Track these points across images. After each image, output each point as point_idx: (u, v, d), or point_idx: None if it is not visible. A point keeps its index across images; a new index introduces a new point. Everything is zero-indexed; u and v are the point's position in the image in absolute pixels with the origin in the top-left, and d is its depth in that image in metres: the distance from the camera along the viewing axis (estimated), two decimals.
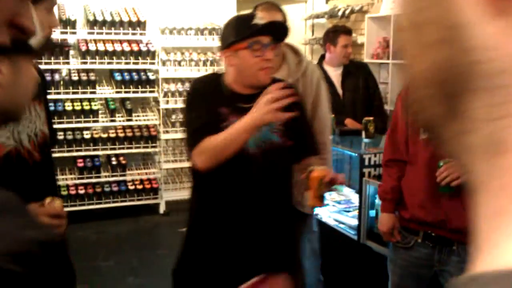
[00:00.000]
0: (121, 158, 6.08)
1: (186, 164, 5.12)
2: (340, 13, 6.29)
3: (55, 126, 5.61)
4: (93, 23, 5.91)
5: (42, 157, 1.85)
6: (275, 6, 2.90)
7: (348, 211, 3.98)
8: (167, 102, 6.21)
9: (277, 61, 2.82)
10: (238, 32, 2.14)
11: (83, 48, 5.83)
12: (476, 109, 0.33)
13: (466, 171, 0.36)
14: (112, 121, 5.99)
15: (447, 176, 2.30)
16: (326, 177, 2.10)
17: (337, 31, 4.54)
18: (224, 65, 2.33)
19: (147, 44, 6.09)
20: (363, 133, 3.81)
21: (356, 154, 3.62)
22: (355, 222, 3.68)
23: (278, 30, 2.21)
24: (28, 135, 1.78)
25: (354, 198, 3.96)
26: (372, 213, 3.40)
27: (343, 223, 3.88)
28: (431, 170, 2.37)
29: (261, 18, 2.18)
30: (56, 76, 5.77)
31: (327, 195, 2.25)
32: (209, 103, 2.18)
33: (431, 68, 0.35)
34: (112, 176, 6.03)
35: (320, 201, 2.15)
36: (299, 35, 7.00)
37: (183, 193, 5.64)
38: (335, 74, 4.41)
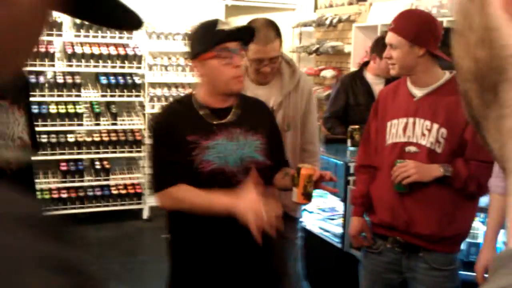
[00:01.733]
0: (105, 162, 6.03)
1: None
2: (327, 22, 6.31)
3: (38, 128, 5.60)
4: (79, 26, 5.87)
5: (19, 166, 1.73)
6: (268, 33, 2.70)
7: (333, 219, 3.98)
8: (153, 106, 6.17)
9: (271, 72, 2.82)
10: (204, 41, 2.07)
11: (69, 51, 5.79)
12: (511, 96, 0.40)
13: (501, 157, 0.43)
14: (96, 124, 5.95)
15: (399, 175, 2.35)
16: (314, 175, 2.10)
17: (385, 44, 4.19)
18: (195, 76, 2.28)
19: (134, 48, 6.06)
20: (348, 141, 3.81)
21: (341, 162, 3.63)
22: (339, 230, 3.68)
23: (245, 33, 2.15)
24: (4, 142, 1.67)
25: (339, 206, 3.96)
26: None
27: (327, 231, 3.88)
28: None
29: (225, 23, 2.11)
30: (41, 79, 5.71)
31: (313, 198, 2.23)
32: (176, 134, 2.10)
33: (473, 65, 0.42)
34: (96, 180, 5.98)
35: (307, 198, 2.15)
36: (287, 43, 7.01)
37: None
38: (376, 84, 4.11)
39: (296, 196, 2.14)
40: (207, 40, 2.06)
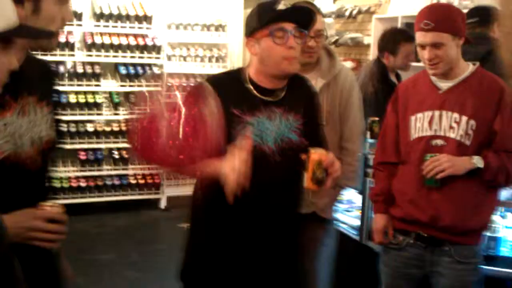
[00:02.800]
0: (123, 152, 6.06)
1: None
2: (347, 13, 6.26)
3: (58, 117, 5.62)
4: (99, 16, 5.89)
5: (43, 163, 1.69)
6: (312, 7, 2.63)
7: (350, 211, 3.96)
8: None
9: (314, 57, 2.75)
10: (260, 19, 2.04)
11: (89, 41, 5.82)
12: None
13: None
14: (115, 114, 5.99)
15: (433, 169, 2.31)
16: (324, 160, 2.01)
17: (398, 38, 3.96)
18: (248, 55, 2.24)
19: (153, 38, 6.08)
20: (368, 134, 3.78)
21: (360, 154, 3.60)
22: (357, 222, 3.66)
23: (302, 16, 2.09)
24: (32, 139, 1.62)
25: (357, 198, 3.93)
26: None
27: (345, 223, 3.85)
28: (420, 168, 2.38)
29: (284, 4, 2.05)
30: (61, 68, 5.75)
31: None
32: (221, 102, 1.99)
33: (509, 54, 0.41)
34: (114, 169, 6.02)
35: (317, 184, 2.04)
36: None
37: (184, 189, 5.61)
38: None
39: (305, 181, 2.07)
40: (263, 18, 2.04)
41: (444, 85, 2.41)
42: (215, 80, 2.18)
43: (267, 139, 2.06)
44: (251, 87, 2.11)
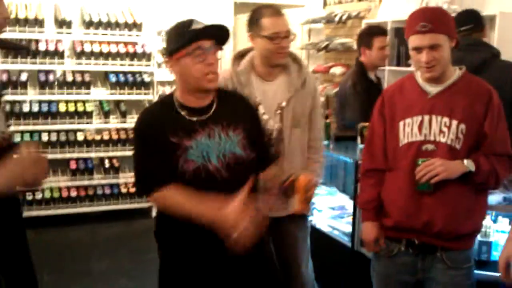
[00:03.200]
0: (114, 161, 6.03)
1: None
2: (337, 19, 6.27)
3: (48, 127, 5.61)
4: (88, 24, 5.87)
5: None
6: (278, 10, 2.82)
7: (342, 217, 3.96)
8: None
9: (277, 68, 2.82)
10: (178, 40, 2.09)
11: (79, 49, 5.79)
12: None
13: None
14: (106, 123, 5.96)
15: (426, 174, 2.30)
16: (311, 181, 2.10)
17: (372, 33, 4.25)
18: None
19: (142, 46, 6.06)
20: (358, 139, 3.78)
21: (351, 160, 3.60)
22: (349, 228, 3.65)
23: (218, 32, 2.14)
24: None
25: (349, 204, 3.93)
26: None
27: (337, 229, 3.85)
28: (411, 174, 2.37)
29: (199, 22, 2.12)
30: (51, 77, 5.73)
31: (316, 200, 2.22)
32: (158, 135, 2.11)
33: None
34: (105, 178, 5.98)
35: (306, 206, 2.14)
36: (296, 40, 6.96)
37: None
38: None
39: (297, 204, 2.14)
40: (180, 38, 2.09)
41: (433, 89, 2.40)
42: (149, 114, 2.25)
43: (209, 157, 2.10)
44: (183, 111, 2.16)
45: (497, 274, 2.85)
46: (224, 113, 2.19)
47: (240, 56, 2.93)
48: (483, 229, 2.94)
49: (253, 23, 2.80)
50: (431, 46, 2.30)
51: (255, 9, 2.85)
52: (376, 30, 4.27)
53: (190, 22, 2.12)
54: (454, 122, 2.34)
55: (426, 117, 2.37)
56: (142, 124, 2.20)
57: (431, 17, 2.33)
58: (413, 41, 2.34)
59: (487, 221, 3.03)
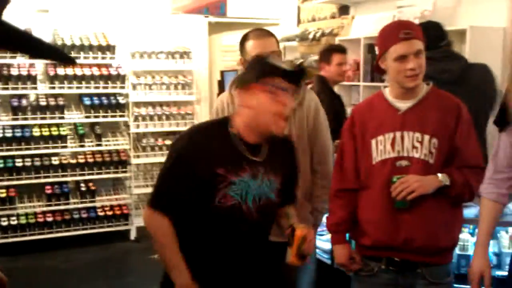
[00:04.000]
0: (90, 184, 5.96)
1: None
2: (311, 36, 6.31)
3: (22, 152, 5.53)
4: (61, 48, 5.82)
5: None
6: (267, 32, 2.79)
7: (322, 235, 3.93)
8: (138, 126, 6.13)
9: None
10: (260, 73, 2.01)
11: (52, 73, 5.74)
12: None
13: None
14: (81, 146, 5.89)
15: (402, 191, 2.28)
16: (308, 236, 2.07)
17: (331, 49, 4.61)
18: (236, 105, 2.19)
19: (117, 68, 6.03)
20: (335, 156, 3.78)
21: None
22: (328, 246, 3.63)
23: (299, 77, 2.08)
24: None
25: None
26: (346, 236, 3.35)
27: (317, 247, 3.82)
28: (386, 192, 2.34)
29: (283, 62, 2.05)
30: (24, 101, 5.66)
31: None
32: (204, 164, 2.01)
33: None
34: (81, 202, 5.90)
35: (301, 259, 2.10)
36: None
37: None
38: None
39: (289, 257, 2.10)
40: (263, 72, 2.02)
41: (403, 105, 2.39)
42: (200, 135, 2.11)
43: (247, 198, 2.05)
44: (238, 143, 2.08)
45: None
46: (271, 156, 2.13)
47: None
48: (461, 243, 2.95)
49: (241, 47, 2.76)
50: (416, 53, 2.29)
51: (245, 33, 2.81)
52: (336, 47, 4.69)
53: (275, 59, 2.10)
54: (426, 137, 2.33)
55: (398, 134, 2.36)
56: (189, 145, 2.06)
57: (409, 24, 2.35)
58: (398, 49, 2.30)
59: (465, 235, 3.04)
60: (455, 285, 2.56)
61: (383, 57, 2.37)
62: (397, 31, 2.31)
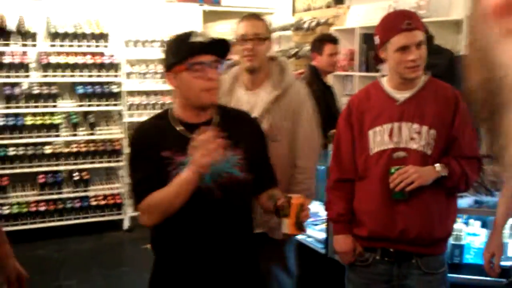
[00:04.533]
0: (83, 173, 5.93)
1: None
2: (306, 26, 6.29)
3: (15, 141, 5.50)
4: (54, 36, 5.77)
5: None
6: (257, 16, 2.81)
7: (316, 224, 3.93)
8: (132, 115, 6.10)
9: (261, 76, 2.76)
10: (177, 53, 2.02)
11: (45, 61, 5.69)
12: (510, 123, 0.37)
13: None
14: (74, 135, 5.86)
15: (401, 182, 2.28)
16: (305, 205, 2.05)
17: (323, 40, 4.59)
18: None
19: (110, 56, 5.98)
20: (329, 146, 3.77)
21: (324, 167, 3.58)
22: (323, 235, 3.63)
23: (219, 47, 2.07)
24: None
25: (322, 211, 3.91)
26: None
27: (310, 237, 3.82)
28: (384, 183, 2.34)
29: (200, 35, 2.04)
30: (16, 90, 5.61)
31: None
32: (150, 150, 2.04)
33: (475, 87, 0.39)
34: (74, 192, 5.88)
35: (299, 229, 2.08)
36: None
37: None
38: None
39: (288, 227, 2.06)
40: (179, 52, 2.02)
41: (401, 96, 2.38)
42: (143, 129, 2.17)
43: (203, 176, 2.01)
44: (178, 126, 2.10)
45: (470, 277, 2.88)
46: (223, 131, 2.09)
47: (232, 65, 2.88)
48: (455, 233, 2.94)
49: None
50: (418, 44, 2.27)
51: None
52: (328, 38, 4.67)
53: (189, 34, 2.04)
54: (425, 128, 2.32)
55: (396, 124, 2.35)
56: (136, 137, 2.16)
57: (411, 15, 2.33)
58: (400, 40, 2.28)
59: (459, 225, 3.04)
60: (449, 275, 2.57)
61: (383, 47, 2.35)
62: (399, 21, 2.28)
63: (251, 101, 2.74)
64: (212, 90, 2.04)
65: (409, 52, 2.27)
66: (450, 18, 4.28)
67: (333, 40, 4.63)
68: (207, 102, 2.06)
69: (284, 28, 6.78)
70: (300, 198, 2.06)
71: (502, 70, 0.36)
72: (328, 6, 6.32)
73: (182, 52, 2.01)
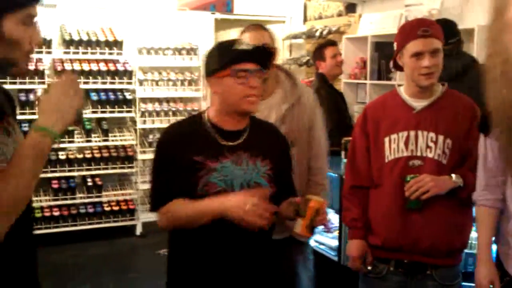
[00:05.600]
0: (97, 179, 5.98)
1: None
2: (317, 34, 6.32)
3: None
4: (69, 43, 5.84)
5: None
6: (261, 26, 2.82)
7: (330, 232, 3.95)
8: (144, 122, 6.15)
9: (271, 85, 2.76)
10: (221, 59, 2.05)
11: (59, 68, 5.75)
12: None
13: None
14: (88, 141, 5.91)
15: (417, 190, 2.28)
16: (322, 208, 2.07)
17: (321, 46, 4.67)
18: (209, 93, 2.25)
19: (124, 63, 6.04)
20: (343, 154, 3.79)
21: (336, 175, 3.60)
22: (335, 243, 3.65)
23: (263, 55, 2.11)
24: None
25: (334, 218, 3.93)
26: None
27: (323, 244, 3.85)
28: (398, 191, 2.34)
29: (245, 43, 2.09)
30: (31, 96, 5.67)
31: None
32: (181, 152, 2.06)
33: (499, 105, 0.37)
34: (88, 197, 5.93)
35: (310, 231, 2.10)
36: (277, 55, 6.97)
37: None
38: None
39: (299, 227, 2.08)
40: (224, 58, 2.05)
41: (418, 104, 2.40)
42: (175, 129, 2.19)
43: (233, 184, 2.05)
44: (213, 131, 2.12)
45: None
46: (255, 142, 2.14)
47: None
48: (469, 241, 2.95)
49: None
50: (433, 51, 2.30)
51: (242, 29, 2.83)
52: (325, 43, 4.76)
53: (233, 42, 2.09)
54: (441, 137, 2.34)
55: (412, 133, 2.37)
56: (166, 139, 2.16)
57: (430, 23, 2.37)
58: (415, 46, 2.31)
59: (472, 233, 3.05)
60: (463, 283, 2.57)
61: (400, 53, 2.38)
62: (416, 28, 2.32)
63: (265, 110, 2.77)
64: (253, 97, 2.06)
65: (423, 58, 2.30)
66: (463, 27, 4.30)
67: (331, 43, 4.70)
68: (247, 109, 2.08)
69: (295, 36, 6.82)
70: (319, 202, 2.08)
71: None
72: (339, 15, 6.35)
73: (227, 58, 2.04)
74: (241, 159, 2.09)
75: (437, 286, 2.39)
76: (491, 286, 2.22)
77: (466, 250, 2.99)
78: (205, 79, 2.16)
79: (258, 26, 2.81)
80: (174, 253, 2.23)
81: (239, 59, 2.03)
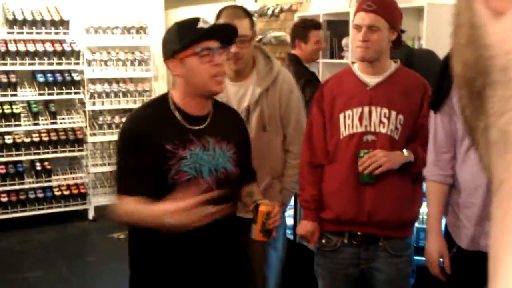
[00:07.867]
0: (46, 163, 5.83)
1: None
2: (269, 12, 6.28)
3: None
4: (12, 23, 5.62)
5: None
6: (241, 12, 2.70)
7: (284, 211, 3.96)
8: (94, 103, 6.00)
9: (248, 66, 2.70)
10: (182, 39, 1.97)
11: (3, 49, 5.54)
12: (494, 103, 0.36)
13: (489, 172, 0.38)
14: (35, 124, 5.73)
15: (370, 165, 2.32)
16: (273, 212, 2.06)
17: (308, 26, 4.34)
18: (172, 77, 2.14)
19: (71, 43, 5.87)
20: None
21: None
22: (290, 221, 3.66)
23: (226, 33, 2.06)
24: None
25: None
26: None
27: (285, 226, 3.85)
28: (353, 166, 2.38)
29: (204, 21, 2.01)
30: None
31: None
32: (151, 140, 1.98)
33: (462, 68, 0.39)
34: (37, 182, 5.77)
35: (265, 236, 2.11)
36: None
37: (112, 198, 5.48)
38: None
39: (254, 233, 2.10)
40: (186, 38, 1.97)
41: (372, 80, 2.43)
42: (140, 116, 2.11)
43: (202, 171, 2.02)
44: (179, 116, 2.06)
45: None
46: (219, 125, 2.10)
47: None
48: (420, 216, 3.02)
49: None
50: (370, 27, 2.33)
51: (220, 9, 2.71)
52: (312, 24, 4.37)
53: (196, 20, 2.00)
54: (393, 113, 2.38)
55: (366, 108, 2.40)
56: (132, 126, 2.07)
57: (378, 1, 2.37)
58: (356, 18, 2.37)
59: (423, 208, 3.11)
60: (415, 257, 2.63)
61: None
62: (364, 2, 2.36)
63: (240, 92, 2.71)
64: (220, 77, 2.01)
65: (360, 31, 2.35)
66: (412, 5, 4.34)
67: (317, 26, 4.39)
68: (214, 90, 2.04)
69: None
70: (268, 206, 2.08)
71: (489, 51, 0.37)
72: None
73: (189, 37, 1.97)
74: (208, 144, 2.06)
75: (389, 257, 2.46)
76: (441, 259, 2.28)
77: (418, 225, 3.06)
78: (165, 61, 2.07)
79: (237, 12, 2.69)
80: (135, 241, 2.19)
81: (203, 38, 1.97)
